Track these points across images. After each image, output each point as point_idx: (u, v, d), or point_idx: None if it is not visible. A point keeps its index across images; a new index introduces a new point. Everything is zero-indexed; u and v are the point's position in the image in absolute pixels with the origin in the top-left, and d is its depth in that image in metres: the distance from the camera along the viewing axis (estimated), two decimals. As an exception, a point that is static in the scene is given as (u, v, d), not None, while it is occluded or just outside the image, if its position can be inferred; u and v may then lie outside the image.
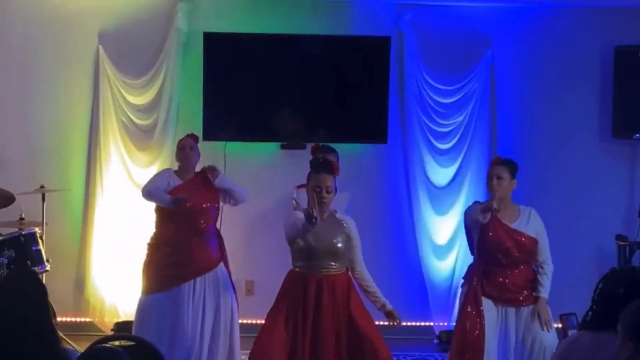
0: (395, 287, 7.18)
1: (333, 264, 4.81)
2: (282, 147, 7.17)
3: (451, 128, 7.22)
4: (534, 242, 5.22)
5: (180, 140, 6.01)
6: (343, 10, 7.19)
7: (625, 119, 7.14)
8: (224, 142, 6.98)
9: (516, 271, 5.22)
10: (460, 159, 7.23)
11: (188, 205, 5.62)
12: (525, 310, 5.21)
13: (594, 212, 7.23)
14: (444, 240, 7.24)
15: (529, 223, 5.25)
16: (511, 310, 5.23)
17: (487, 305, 5.21)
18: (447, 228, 7.24)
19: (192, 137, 6.01)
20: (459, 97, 7.20)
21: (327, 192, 4.78)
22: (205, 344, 5.71)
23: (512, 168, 5.26)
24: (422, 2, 7.14)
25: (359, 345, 4.75)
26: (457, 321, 5.42)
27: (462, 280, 5.49)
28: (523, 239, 5.20)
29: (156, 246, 5.78)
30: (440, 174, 7.26)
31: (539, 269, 5.27)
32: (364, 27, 7.17)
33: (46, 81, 7.16)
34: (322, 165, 4.88)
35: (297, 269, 4.85)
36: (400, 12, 7.17)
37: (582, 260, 7.08)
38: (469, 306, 5.21)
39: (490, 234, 5.19)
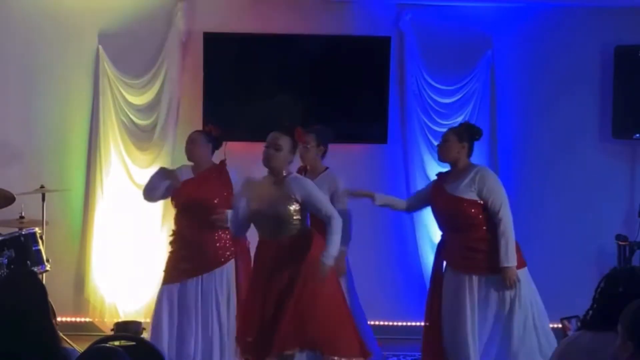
0: (394, 287, 7.21)
1: (285, 228, 4.72)
2: (282, 147, 7.16)
3: (451, 128, 7.23)
4: (477, 204, 5.17)
5: (190, 135, 5.82)
6: (343, 10, 7.19)
7: (625, 119, 7.14)
8: (224, 142, 6.97)
9: (468, 234, 5.21)
10: (460, 159, 7.23)
11: (188, 198, 5.59)
12: (488, 279, 5.18)
13: (594, 212, 7.23)
14: (444, 240, 7.24)
15: (474, 184, 5.20)
16: (476, 278, 5.19)
17: (449, 276, 5.28)
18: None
19: (199, 131, 5.87)
20: (459, 97, 7.21)
21: (275, 149, 4.71)
22: (213, 340, 5.67)
23: (460, 130, 5.35)
24: (422, 2, 7.14)
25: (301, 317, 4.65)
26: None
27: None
28: (465, 204, 5.18)
29: (173, 240, 5.75)
30: (440, 174, 7.25)
31: (496, 231, 5.18)
32: (364, 27, 7.18)
33: (46, 81, 7.16)
34: (280, 125, 4.81)
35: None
36: (400, 12, 7.17)
37: (582, 260, 7.08)
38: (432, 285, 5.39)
39: (434, 203, 5.34)
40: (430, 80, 7.18)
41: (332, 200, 5.40)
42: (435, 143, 7.17)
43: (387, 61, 7.09)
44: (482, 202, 5.20)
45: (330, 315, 4.72)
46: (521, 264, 5.27)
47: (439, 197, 5.34)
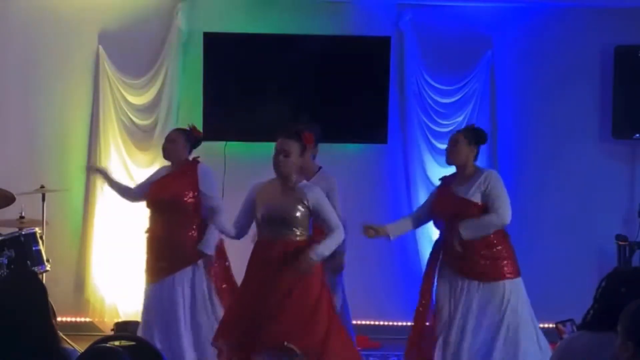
0: (394, 287, 7.20)
1: (289, 232, 4.74)
2: (282, 147, 7.16)
3: (451, 128, 7.21)
4: (465, 201, 5.15)
5: (170, 133, 5.85)
6: (343, 10, 7.19)
7: (625, 119, 7.15)
8: (224, 142, 6.98)
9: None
10: (460, 159, 7.22)
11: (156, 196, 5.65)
12: (486, 286, 5.14)
13: (594, 212, 7.23)
14: (443, 240, 7.23)
15: (480, 187, 5.16)
16: (474, 284, 5.15)
17: (444, 280, 5.25)
18: (447, 228, 7.24)
19: (179, 130, 5.85)
20: (459, 97, 7.21)
21: (285, 155, 4.75)
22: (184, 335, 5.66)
23: (469, 134, 5.28)
24: (422, 2, 7.14)
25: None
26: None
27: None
28: (473, 207, 5.14)
29: (147, 236, 5.77)
30: (440, 174, 7.22)
31: (501, 238, 5.19)
32: (364, 27, 7.18)
33: (46, 81, 7.16)
34: (285, 130, 4.84)
35: (258, 239, 4.89)
36: (400, 12, 7.17)
37: (582, 260, 7.08)
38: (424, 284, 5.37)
39: (439, 204, 5.27)
40: (430, 81, 7.18)
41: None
42: (436, 143, 7.22)
43: (387, 61, 7.09)
44: (484, 203, 5.15)
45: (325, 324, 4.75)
46: (516, 272, 5.22)
47: (445, 199, 5.28)
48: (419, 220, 5.57)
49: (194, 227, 5.64)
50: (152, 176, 5.88)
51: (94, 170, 6.52)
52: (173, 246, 5.60)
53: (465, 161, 5.27)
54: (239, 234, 5.05)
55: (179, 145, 5.70)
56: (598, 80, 7.27)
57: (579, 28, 7.22)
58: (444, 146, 7.18)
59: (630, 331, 2.79)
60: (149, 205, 5.74)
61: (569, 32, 7.24)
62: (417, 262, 7.22)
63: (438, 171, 7.23)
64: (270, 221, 4.79)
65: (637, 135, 7.17)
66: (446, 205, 5.26)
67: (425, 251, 7.17)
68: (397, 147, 7.26)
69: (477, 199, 5.16)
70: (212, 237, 5.58)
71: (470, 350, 5.12)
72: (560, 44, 7.24)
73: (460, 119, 7.21)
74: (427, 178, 7.23)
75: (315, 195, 4.79)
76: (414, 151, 7.23)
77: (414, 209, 7.15)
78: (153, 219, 5.73)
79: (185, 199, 5.60)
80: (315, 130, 5.66)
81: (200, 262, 5.63)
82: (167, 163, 6.32)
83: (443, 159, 7.16)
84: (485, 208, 5.14)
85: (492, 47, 7.21)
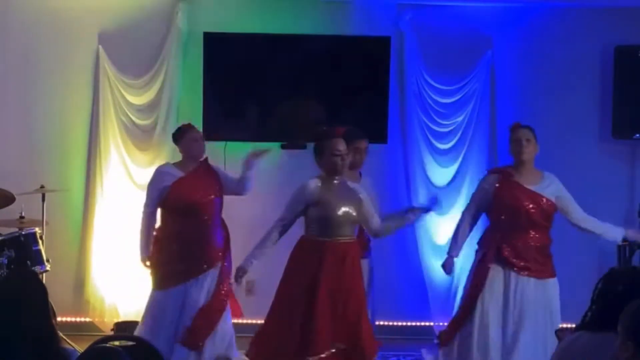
0: (395, 287, 7.20)
1: (349, 231, 4.96)
2: (282, 147, 7.17)
3: (451, 128, 7.23)
4: (553, 206, 5.32)
5: (194, 133, 5.83)
6: (343, 10, 7.19)
7: (625, 119, 7.14)
8: (224, 142, 6.98)
9: (535, 235, 5.31)
10: (460, 159, 7.24)
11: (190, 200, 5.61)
12: (544, 283, 5.30)
13: (593, 212, 7.20)
14: (444, 240, 7.22)
15: (549, 187, 5.36)
16: (531, 281, 5.28)
17: (495, 273, 5.28)
18: (447, 228, 7.22)
19: (196, 128, 5.95)
20: (459, 97, 7.21)
21: (345, 157, 5.02)
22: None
23: (534, 131, 5.40)
24: (422, 2, 7.14)
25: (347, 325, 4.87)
26: (464, 288, 5.57)
27: (477, 247, 5.56)
28: (543, 200, 5.30)
29: (162, 239, 5.72)
30: (440, 174, 7.26)
31: (586, 223, 5.45)
32: (364, 27, 7.18)
33: (46, 81, 7.16)
34: (334, 131, 5.06)
35: (312, 237, 4.98)
36: (400, 12, 7.17)
37: (582, 260, 7.07)
38: (475, 277, 5.36)
39: (508, 198, 5.29)
40: (430, 80, 7.18)
41: None
42: (436, 143, 7.22)
43: (387, 61, 7.09)
44: (555, 206, 5.35)
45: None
46: (554, 273, 5.41)
47: (518, 193, 5.31)
48: (474, 223, 5.61)
49: (218, 228, 5.68)
50: (161, 182, 5.73)
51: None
52: (197, 248, 5.59)
53: (532, 158, 5.39)
54: (283, 232, 5.14)
55: (203, 142, 5.82)
56: (598, 80, 7.27)
57: (579, 28, 7.22)
58: (444, 146, 7.24)
59: (630, 331, 2.79)
60: (172, 208, 5.67)
61: (569, 32, 7.24)
62: (417, 262, 7.23)
63: (438, 171, 7.26)
64: (331, 221, 4.93)
65: (637, 135, 7.17)
66: (523, 201, 5.29)
67: (426, 251, 7.19)
68: (397, 147, 7.26)
69: (548, 195, 5.34)
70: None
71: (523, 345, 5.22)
72: (560, 44, 7.24)
73: (460, 119, 7.21)
74: (427, 178, 7.23)
75: (364, 189, 5.15)
76: (414, 151, 7.23)
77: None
78: (171, 218, 5.68)
79: (211, 197, 5.66)
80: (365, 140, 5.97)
81: (219, 264, 5.64)
82: (162, 162, 6.33)
83: (443, 159, 7.24)
84: (555, 210, 5.37)
85: (492, 47, 7.21)
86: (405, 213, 5.29)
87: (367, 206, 5.08)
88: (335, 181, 5.04)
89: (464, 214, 5.60)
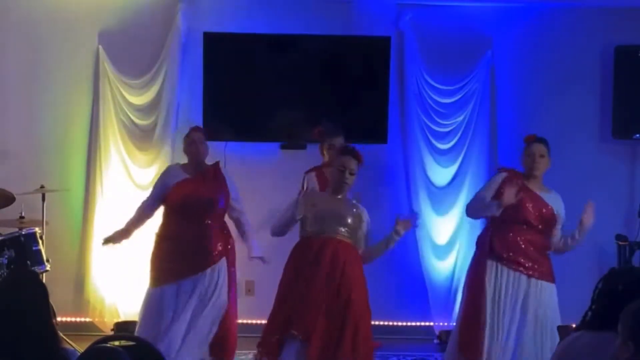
0: (395, 287, 7.20)
1: (342, 229, 4.98)
2: (282, 147, 7.17)
3: (451, 128, 7.23)
4: (554, 215, 5.36)
5: (189, 134, 5.80)
6: (343, 10, 7.19)
7: (625, 119, 7.15)
8: (224, 142, 6.98)
9: (528, 232, 5.32)
10: (460, 159, 7.24)
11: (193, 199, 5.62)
12: (538, 284, 5.30)
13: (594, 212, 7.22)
14: (444, 240, 7.24)
15: (554, 202, 5.41)
16: (523, 278, 5.29)
17: (491, 271, 5.30)
18: (447, 228, 7.24)
19: (200, 130, 5.86)
20: (459, 97, 7.21)
21: (350, 174, 5.04)
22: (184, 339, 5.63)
23: (549, 147, 5.46)
24: (422, 2, 7.14)
25: (343, 319, 4.87)
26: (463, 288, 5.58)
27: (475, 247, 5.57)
28: (545, 206, 5.35)
29: (161, 238, 5.72)
30: (440, 174, 7.26)
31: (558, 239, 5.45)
32: (364, 27, 7.17)
33: (46, 81, 7.16)
34: (351, 150, 5.13)
35: (304, 236, 5.06)
36: (400, 12, 7.17)
37: (582, 260, 7.06)
38: (473, 277, 5.38)
39: (530, 209, 5.34)
40: (430, 80, 7.18)
41: None
42: (436, 143, 7.22)
43: (387, 61, 7.09)
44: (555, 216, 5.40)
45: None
46: (552, 278, 5.43)
47: (538, 206, 5.37)
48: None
49: (218, 231, 5.67)
50: (166, 179, 5.73)
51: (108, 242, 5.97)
52: (199, 247, 5.59)
53: (543, 173, 5.49)
54: (282, 233, 5.22)
55: (203, 144, 5.76)
56: (598, 80, 7.27)
57: (579, 28, 7.22)
58: (444, 146, 7.24)
59: (631, 331, 2.80)
60: (175, 206, 5.65)
61: (569, 32, 7.24)
62: (417, 262, 7.23)
63: (438, 171, 7.26)
64: (324, 218, 4.99)
65: (637, 135, 7.17)
66: (524, 198, 5.32)
67: (426, 252, 7.19)
68: (397, 147, 7.26)
69: (554, 206, 5.42)
70: (255, 240, 5.87)
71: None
72: (561, 44, 7.24)
73: (460, 119, 7.21)
74: (427, 178, 7.23)
75: (366, 214, 5.18)
76: (414, 151, 7.23)
77: (413, 208, 7.17)
78: (172, 218, 5.68)
79: (217, 198, 5.65)
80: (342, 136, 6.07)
81: (215, 265, 5.64)
82: (162, 162, 6.33)
83: (443, 159, 7.24)
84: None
85: (492, 47, 7.21)
86: (387, 237, 5.21)
87: (364, 229, 5.12)
88: (339, 196, 5.11)
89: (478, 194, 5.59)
